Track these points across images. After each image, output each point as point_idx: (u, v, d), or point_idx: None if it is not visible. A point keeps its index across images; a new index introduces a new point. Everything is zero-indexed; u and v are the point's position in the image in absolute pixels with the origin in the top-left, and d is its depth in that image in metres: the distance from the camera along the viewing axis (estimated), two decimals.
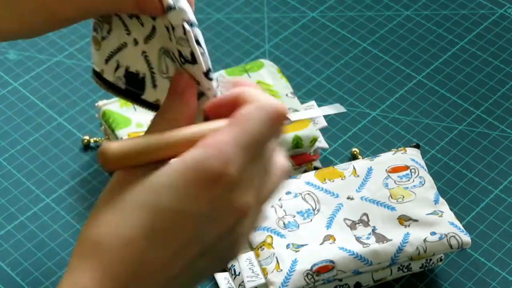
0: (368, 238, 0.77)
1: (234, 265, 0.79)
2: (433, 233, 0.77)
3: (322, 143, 0.89)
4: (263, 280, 0.75)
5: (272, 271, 0.75)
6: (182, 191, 0.46)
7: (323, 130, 0.94)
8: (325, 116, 0.95)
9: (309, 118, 0.86)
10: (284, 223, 0.79)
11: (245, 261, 0.77)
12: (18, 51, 1.03)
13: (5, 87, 0.99)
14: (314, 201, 0.80)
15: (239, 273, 0.78)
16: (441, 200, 0.81)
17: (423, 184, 0.81)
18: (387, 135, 0.94)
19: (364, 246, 0.76)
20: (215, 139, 0.48)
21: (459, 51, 1.02)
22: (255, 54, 1.02)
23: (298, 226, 0.79)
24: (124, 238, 0.46)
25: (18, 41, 1.04)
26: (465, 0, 1.09)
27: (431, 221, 0.78)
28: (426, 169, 0.84)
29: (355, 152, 0.91)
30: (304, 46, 1.03)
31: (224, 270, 0.81)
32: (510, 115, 0.95)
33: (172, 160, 0.48)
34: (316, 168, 0.89)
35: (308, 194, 0.81)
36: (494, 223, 0.86)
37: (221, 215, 0.48)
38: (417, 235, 0.77)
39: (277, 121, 0.50)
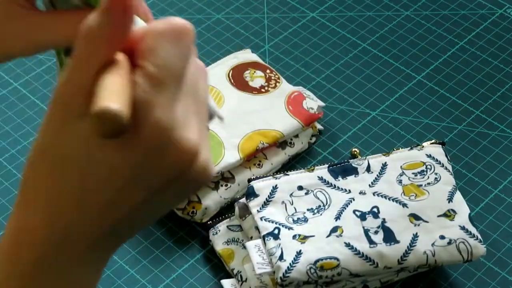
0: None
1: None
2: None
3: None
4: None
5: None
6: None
7: (323, 131, 0.94)
8: (325, 116, 0.96)
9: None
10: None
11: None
12: None
13: (5, 87, 0.99)
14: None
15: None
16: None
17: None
18: (387, 135, 0.94)
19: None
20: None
21: (459, 51, 1.03)
22: (255, 54, 1.02)
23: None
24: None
25: None
26: (465, 0, 1.09)
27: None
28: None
29: (355, 152, 0.91)
30: (304, 46, 1.04)
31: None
32: (509, 115, 0.96)
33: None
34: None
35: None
36: (494, 222, 0.86)
37: (164, 161, 0.45)
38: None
39: (185, 39, 0.46)
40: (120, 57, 0.45)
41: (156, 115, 0.43)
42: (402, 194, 0.80)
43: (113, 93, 0.42)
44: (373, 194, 0.80)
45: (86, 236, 0.46)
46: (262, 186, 0.81)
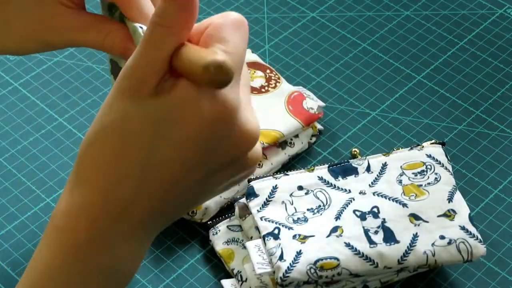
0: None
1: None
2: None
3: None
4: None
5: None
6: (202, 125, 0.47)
7: (323, 131, 0.94)
8: (325, 116, 0.96)
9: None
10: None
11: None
12: None
13: (5, 87, 0.99)
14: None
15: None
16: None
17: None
18: (387, 135, 0.94)
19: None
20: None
21: (459, 51, 1.03)
22: (255, 54, 1.02)
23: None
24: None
25: None
26: (465, 0, 1.09)
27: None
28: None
29: (355, 152, 0.91)
30: (304, 46, 1.04)
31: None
32: (509, 115, 0.96)
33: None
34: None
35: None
36: (494, 223, 0.86)
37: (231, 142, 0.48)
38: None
39: (245, 29, 0.50)
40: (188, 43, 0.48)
41: (223, 96, 0.46)
42: (402, 194, 0.80)
43: (211, 49, 0.45)
44: (373, 194, 0.80)
45: (141, 212, 0.48)
46: (262, 186, 0.81)
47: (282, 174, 0.82)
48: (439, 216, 0.78)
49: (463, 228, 0.77)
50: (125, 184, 0.47)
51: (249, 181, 0.82)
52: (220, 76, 0.44)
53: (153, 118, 0.46)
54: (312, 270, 0.74)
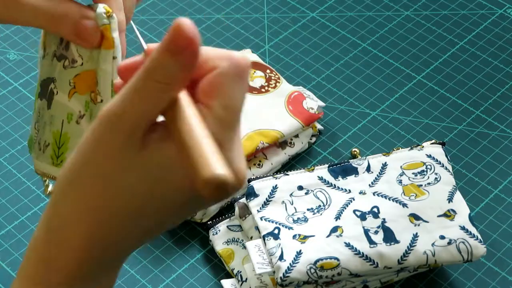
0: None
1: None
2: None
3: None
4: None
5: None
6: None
7: (323, 131, 0.94)
8: (325, 116, 0.96)
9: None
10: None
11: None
12: (18, 51, 1.03)
13: (5, 87, 0.99)
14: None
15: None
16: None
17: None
18: (387, 135, 0.94)
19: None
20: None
21: (459, 51, 1.03)
22: (255, 54, 1.02)
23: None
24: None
25: (18, 41, 1.04)
26: (465, 0, 1.09)
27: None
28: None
29: (355, 152, 0.91)
30: (304, 46, 1.04)
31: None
32: (509, 115, 0.96)
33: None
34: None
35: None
36: (494, 223, 0.86)
37: None
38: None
39: (245, 75, 0.47)
40: (183, 94, 0.45)
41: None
42: (402, 194, 0.80)
43: (213, 153, 0.42)
44: (373, 194, 0.80)
45: (120, 252, 0.48)
46: (262, 186, 0.81)
47: (282, 174, 0.82)
48: (439, 216, 0.78)
49: (463, 228, 0.77)
50: (110, 228, 0.47)
51: (249, 181, 0.82)
52: (219, 195, 0.41)
53: (141, 173, 0.45)
54: (312, 270, 0.74)
